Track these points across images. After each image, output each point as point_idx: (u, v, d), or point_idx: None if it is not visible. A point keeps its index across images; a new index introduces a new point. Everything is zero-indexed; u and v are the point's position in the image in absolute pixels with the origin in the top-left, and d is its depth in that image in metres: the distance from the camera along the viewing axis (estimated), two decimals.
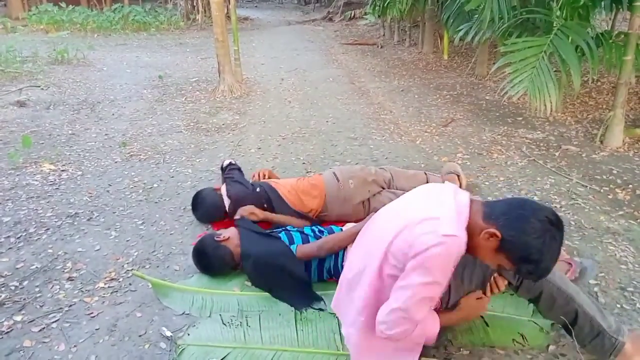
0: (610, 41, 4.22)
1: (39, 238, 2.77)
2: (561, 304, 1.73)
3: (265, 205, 2.76)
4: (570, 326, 1.74)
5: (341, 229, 2.42)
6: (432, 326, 1.67)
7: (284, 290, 2.17)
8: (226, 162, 3.14)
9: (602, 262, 2.45)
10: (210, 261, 2.34)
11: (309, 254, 2.23)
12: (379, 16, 10.27)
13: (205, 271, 2.37)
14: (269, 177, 3.15)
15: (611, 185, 3.33)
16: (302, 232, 2.39)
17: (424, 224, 1.45)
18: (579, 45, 3.96)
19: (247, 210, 2.66)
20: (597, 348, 1.73)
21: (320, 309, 2.08)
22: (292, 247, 2.26)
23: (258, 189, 2.81)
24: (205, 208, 2.87)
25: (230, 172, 3.02)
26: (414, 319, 1.49)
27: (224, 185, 2.88)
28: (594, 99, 5.41)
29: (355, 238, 1.93)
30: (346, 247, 2.20)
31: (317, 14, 17.48)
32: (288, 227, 2.51)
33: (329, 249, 2.21)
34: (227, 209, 2.78)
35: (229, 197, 2.78)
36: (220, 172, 3.27)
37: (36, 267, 2.49)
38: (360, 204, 2.83)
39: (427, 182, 3.02)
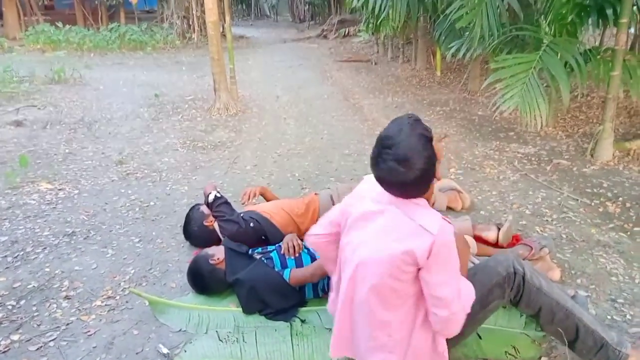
0: (598, 57, 4.32)
1: (36, 257, 2.79)
2: (561, 318, 1.73)
3: (262, 238, 2.70)
4: (573, 341, 1.74)
5: None
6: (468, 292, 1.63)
7: (274, 312, 2.21)
8: (212, 197, 2.81)
9: (592, 274, 2.49)
10: (206, 283, 2.37)
11: (302, 281, 2.26)
12: (372, 33, 10.42)
13: (202, 292, 2.39)
14: (262, 194, 3.13)
15: (602, 199, 3.38)
16: None
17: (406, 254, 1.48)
18: (567, 61, 4.05)
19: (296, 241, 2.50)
20: None
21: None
22: (285, 271, 2.28)
23: (252, 224, 2.70)
24: (201, 242, 2.79)
25: (219, 208, 2.77)
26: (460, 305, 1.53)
27: (217, 223, 2.76)
28: (584, 113, 5.51)
29: None
30: None
31: (312, 31, 17.69)
32: (280, 244, 2.50)
33: (322, 274, 2.22)
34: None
35: (224, 237, 2.69)
36: (204, 201, 2.91)
37: (33, 286, 2.51)
38: None
39: None
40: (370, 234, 1.58)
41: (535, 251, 2.43)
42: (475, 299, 1.64)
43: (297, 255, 2.40)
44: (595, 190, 3.53)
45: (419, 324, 1.57)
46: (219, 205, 2.76)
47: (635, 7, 4.23)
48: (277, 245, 2.52)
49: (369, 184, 1.65)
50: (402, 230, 1.51)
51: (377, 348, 1.60)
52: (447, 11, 5.29)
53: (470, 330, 1.75)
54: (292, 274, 2.26)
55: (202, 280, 2.37)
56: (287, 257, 2.39)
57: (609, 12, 4.20)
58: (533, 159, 4.24)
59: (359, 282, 1.59)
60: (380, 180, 1.53)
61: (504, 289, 1.71)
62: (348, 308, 1.66)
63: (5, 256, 2.79)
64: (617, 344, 1.72)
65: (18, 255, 2.81)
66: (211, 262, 2.36)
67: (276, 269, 2.33)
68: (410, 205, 1.54)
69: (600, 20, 4.46)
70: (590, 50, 4.52)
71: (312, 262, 2.37)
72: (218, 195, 2.81)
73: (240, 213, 2.79)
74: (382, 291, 1.53)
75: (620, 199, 3.37)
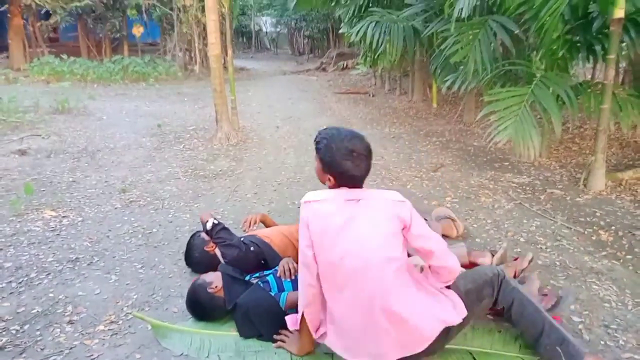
0: (589, 90, 4.48)
1: (40, 282, 2.83)
2: (531, 312, 1.98)
3: (262, 262, 2.75)
4: (539, 335, 1.96)
5: None
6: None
7: (270, 335, 2.24)
8: (209, 225, 2.85)
9: (586, 300, 2.54)
10: (206, 312, 2.40)
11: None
12: (370, 66, 10.68)
13: (202, 320, 2.42)
14: (262, 221, 3.22)
15: (594, 227, 3.46)
16: None
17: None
18: (559, 94, 4.20)
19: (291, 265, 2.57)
20: (563, 353, 1.89)
21: None
22: (282, 295, 2.32)
23: (252, 248, 2.76)
24: (203, 268, 2.80)
25: (219, 234, 2.82)
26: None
27: (218, 249, 2.81)
28: (577, 144, 5.64)
29: None
30: None
31: (311, 64, 18.09)
32: (277, 268, 2.55)
33: None
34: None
35: (227, 263, 2.74)
36: (203, 229, 2.94)
37: (37, 311, 2.55)
38: None
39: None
40: (363, 232, 1.84)
41: (550, 300, 2.38)
42: (472, 287, 1.98)
43: (292, 277, 2.46)
44: (588, 219, 3.61)
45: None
46: (218, 232, 2.82)
47: (624, 44, 4.40)
48: (274, 269, 2.58)
49: (318, 205, 1.91)
50: (386, 210, 1.87)
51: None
52: (442, 46, 5.47)
53: (470, 317, 1.95)
54: (289, 297, 2.31)
55: (203, 309, 2.40)
56: (283, 279, 2.44)
57: (598, 48, 4.37)
58: (527, 188, 4.33)
59: (383, 274, 1.80)
60: (362, 178, 1.92)
61: (493, 287, 2.00)
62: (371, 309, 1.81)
63: (10, 282, 2.84)
64: (578, 343, 1.97)
65: (22, 280, 2.85)
66: (209, 290, 2.39)
67: (273, 293, 2.38)
68: (371, 192, 1.93)
69: (589, 56, 4.63)
70: (581, 84, 4.68)
71: (292, 283, 2.42)
72: (215, 222, 2.87)
73: (241, 237, 2.86)
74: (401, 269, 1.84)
75: (613, 227, 3.45)
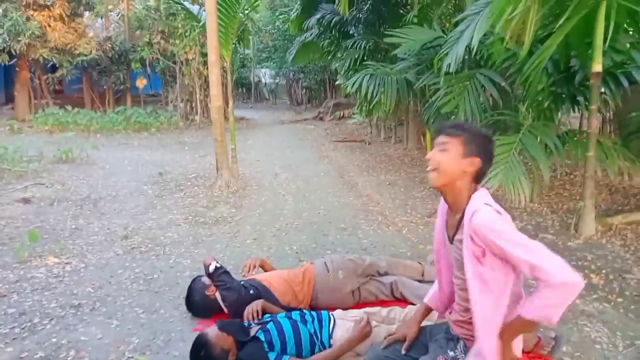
0: (575, 139, 4.67)
1: (43, 328, 2.89)
2: None
3: None
4: None
5: (329, 314, 2.59)
6: None
7: None
8: (212, 267, 2.96)
9: (577, 342, 2.61)
10: None
11: None
12: (366, 116, 10.97)
13: None
14: (261, 266, 3.32)
15: (586, 271, 3.55)
16: (290, 318, 2.53)
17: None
18: (546, 143, 4.38)
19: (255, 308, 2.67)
20: None
21: None
22: (284, 357, 2.34)
23: (252, 292, 2.85)
24: (203, 312, 2.95)
25: (220, 277, 2.92)
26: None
27: (218, 292, 2.90)
28: (567, 190, 5.79)
29: (345, 350, 2.28)
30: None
31: (309, 113, 18.52)
32: (277, 316, 2.58)
33: None
34: (226, 312, 2.86)
35: (226, 306, 2.85)
36: (205, 272, 3.06)
37: (40, 356, 2.59)
38: (349, 293, 3.01)
39: (422, 272, 3.25)
40: None
41: (542, 345, 2.39)
42: None
43: (259, 319, 2.55)
44: (579, 263, 3.70)
45: None
46: (219, 275, 2.92)
47: (604, 95, 4.63)
48: (272, 316, 2.60)
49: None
50: None
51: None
52: (434, 97, 5.72)
53: None
54: None
55: None
56: (281, 322, 2.48)
57: (581, 99, 4.60)
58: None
59: None
60: None
61: None
62: None
63: (13, 327, 2.89)
64: None
65: (25, 326, 2.90)
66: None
67: (271, 357, 2.33)
68: None
69: (574, 106, 4.86)
70: (567, 133, 4.89)
71: (310, 341, 2.43)
72: (218, 265, 2.97)
73: (241, 281, 2.95)
74: None
75: (604, 271, 3.54)
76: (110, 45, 14.34)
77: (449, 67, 4.62)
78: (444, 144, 1.77)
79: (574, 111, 5.46)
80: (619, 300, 3.10)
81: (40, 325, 2.91)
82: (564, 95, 4.76)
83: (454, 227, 1.81)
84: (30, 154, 8.39)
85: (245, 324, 2.60)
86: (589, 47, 4.06)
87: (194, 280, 3.05)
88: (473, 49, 4.45)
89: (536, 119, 4.85)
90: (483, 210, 1.65)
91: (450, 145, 1.76)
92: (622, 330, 2.73)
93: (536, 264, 1.55)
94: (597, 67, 4.02)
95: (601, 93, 4.38)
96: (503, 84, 5.03)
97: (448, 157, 1.75)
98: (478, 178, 1.78)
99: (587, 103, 4.54)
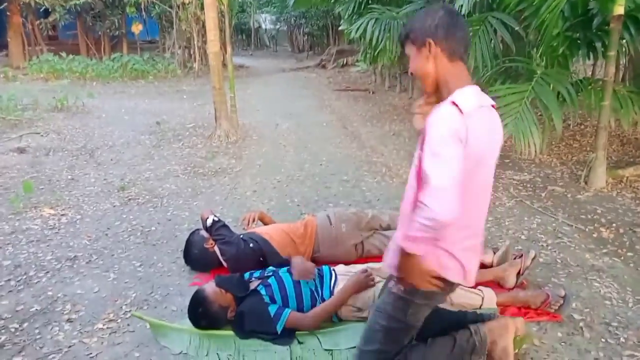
0: (589, 87, 4.46)
1: (38, 281, 2.82)
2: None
3: (261, 259, 2.75)
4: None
5: (330, 269, 2.50)
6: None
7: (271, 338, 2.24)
8: (209, 221, 2.86)
9: (587, 298, 2.54)
10: (211, 323, 2.32)
11: (299, 328, 2.27)
12: (370, 63, 10.63)
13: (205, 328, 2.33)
14: (261, 219, 3.21)
15: (596, 225, 3.45)
16: (291, 273, 2.44)
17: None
18: (559, 91, 4.18)
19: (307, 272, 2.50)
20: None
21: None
22: (286, 310, 2.27)
23: (252, 245, 2.77)
24: (202, 266, 2.88)
25: (218, 231, 2.83)
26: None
27: (217, 246, 2.81)
28: (578, 141, 5.62)
29: (343, 299, 2.26)
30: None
31: (311, 61, 18.03)
32: (279, 271, 2.49)
33: (326, 320, 2.31)
34: (226, 267, 2.79)
35: (226, 260, 2.76)
36: (202, 226, 2.95)
37: (36, 309, 2.54)
38: (352, 246, 2.92)
39: None
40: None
41: (552, 302, 2.37)
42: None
43: (313, 278, 2.43)
44: (589, 216, 3.60)
45: None
46: (218, 229, 2.83)
47: (624, 40, 4.38)
48: (274, 269, 2.54)
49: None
50: None
51: None
52: None
53: None
54: (289, 320, 2.24)
55: (215, 324, 2.32)
56: (289, 280, 2.41)
57: (598, 45, 4.36)
58: (528, 185, 4.32)
59: None
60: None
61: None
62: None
63: (9, 280, 2.83)
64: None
65: (21, 279, 2.84)
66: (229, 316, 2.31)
67: (272, 309, 2.27)
68: None
69: (590, 53, 4.62)
70: (581, 80, 4.67)
71: (311, 297, 2.37)
72: (216, 219, 2.88)
73: (240, 234, 2.86)
74: None
75: (614, 225, 3.44)
76: None
77: (460, 9, 4.35)
78: (408, 56, 1.71)
79: (588, 58, 5.20)
80: (630, 254, 3.01)
81: (36, 278, 2.85)
82: (579, 41, 4.51)
83: None
84: (24, 102, 8.16)
85: (246, 276, 2.53)
86: None
87: (192, 233, 2.96)
88: None
89: (550, 66, 4.62)
90: (441, 108, 1.56)
91: (408, 50, 1.71)
92: (632, 286, 2.65)
93: (429, 182, 1.46)
94: (619, 9, 3.77)
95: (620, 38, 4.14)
96: (517, 28, 4.75)
97: (412, 62, 1.70)
98: (452, 57, 1.64)
99: (603, 49, 4.31)
